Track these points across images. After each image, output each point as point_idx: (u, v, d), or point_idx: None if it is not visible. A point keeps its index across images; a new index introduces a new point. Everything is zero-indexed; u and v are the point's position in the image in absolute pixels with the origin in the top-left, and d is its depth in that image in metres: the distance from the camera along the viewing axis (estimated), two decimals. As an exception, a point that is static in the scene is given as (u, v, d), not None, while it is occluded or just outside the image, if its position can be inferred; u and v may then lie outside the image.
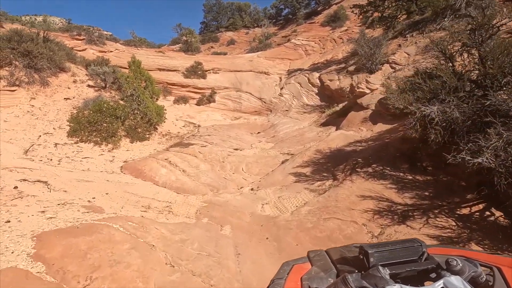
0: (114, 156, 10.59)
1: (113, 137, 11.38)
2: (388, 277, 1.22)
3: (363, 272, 1.29)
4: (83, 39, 22.13)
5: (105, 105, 11.95)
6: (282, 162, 10.61)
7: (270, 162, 10.77)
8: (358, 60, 18.05)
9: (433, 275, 1.34)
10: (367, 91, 13.07)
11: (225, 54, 31.01)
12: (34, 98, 12.81)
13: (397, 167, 8.27)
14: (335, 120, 14.47)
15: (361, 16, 20.28)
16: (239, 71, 23.40)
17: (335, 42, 27.72)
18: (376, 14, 19.85)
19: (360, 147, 10.13)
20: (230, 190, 8.89)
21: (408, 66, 13.22)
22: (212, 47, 37.38)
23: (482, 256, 1.43)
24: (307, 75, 20.82)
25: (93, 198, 7.38)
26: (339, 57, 22.62)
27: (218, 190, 8.79)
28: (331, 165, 9.59)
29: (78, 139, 11.05)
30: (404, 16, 19.81)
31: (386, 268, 1.28)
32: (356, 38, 19.44)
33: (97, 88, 14.70)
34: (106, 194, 7.70)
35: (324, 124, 14.69)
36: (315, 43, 28.79)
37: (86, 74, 15.29)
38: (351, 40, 21.61)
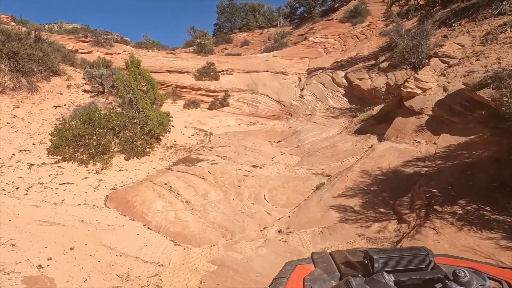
0: (101, 180, 7.93)
1: (104, 154, 8.76)
2: (392, 284, 1.16)
3: (367, 277, 1.22)
4: (89, 41, 19.82)
5: (97, 114, 9.35)
6: (317, 188, 7.66)
7: (300, 187, 7.84)
8: (393, 55, 14.82)
9: (438, 285, 1.22)
10: (418, 91, 9.90)
11: (239, 55, 28.25)
12: (18, 107, 10.36)
13: (500, 205, 5.20)
14: (372, 127, 11.37)
15: (394, 7, 16.93)
16: (254, 72, 20.50)
17: (357, 38, 24.36)
18: (411, 2, 16.50)
19: (426, 169, 7.05)
20: (249, 234, 6.03)
21: (470, 59, 9.95)
22: (225, 48, 34.69)
23: (491, 269, 1.36)
24: (330, 74, 17.70)
25: (49, 259, 4.69)
26: (365, 54, 19.35)
27: (233, 235, 5.95)
28: (389, 196, 6.58)
29: (60, 158, 8.48)
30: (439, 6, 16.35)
31: (390, 274, 1.20)
32: (390, 30, 16.15)
33: (94, 93, 12.17)
34: (71, 249, 5.00)
35: (358, 132, 11.60)
36: (335, 40, 25.51)
37: (84, 78, 12.80)
38: (384, 32, 18.29)
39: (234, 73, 20.10)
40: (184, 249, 5.35)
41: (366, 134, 10.91)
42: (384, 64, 15.31)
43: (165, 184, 7.59)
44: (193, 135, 13.23)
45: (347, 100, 15.31)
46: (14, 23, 19.04)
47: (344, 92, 15.90)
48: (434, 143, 7.99)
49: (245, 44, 34.30)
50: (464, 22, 13.33)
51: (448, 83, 9.92)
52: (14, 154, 8.36)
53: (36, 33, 12.55)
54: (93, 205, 6.74)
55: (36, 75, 11.63)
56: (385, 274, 1.18)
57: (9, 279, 4.18)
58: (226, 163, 9.41)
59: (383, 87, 13.74)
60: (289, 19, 38.76)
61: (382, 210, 6.23)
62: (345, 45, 24.13)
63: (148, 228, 5.95)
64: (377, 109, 12.69)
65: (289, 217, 6.78)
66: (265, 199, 7.45)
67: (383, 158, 7.89)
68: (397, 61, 13.67)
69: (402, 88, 10.33)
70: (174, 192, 7.24)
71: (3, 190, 6.89)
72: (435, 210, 5.44)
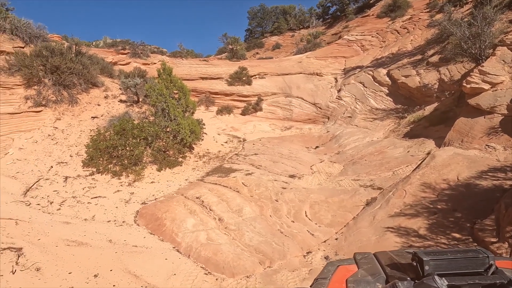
0: (132, 193, 7.51)
1: (136, 166, 8.40)
2: None
3: (416, 281, 1.12)
4: (127, 53, 20.34)
5: (130, 124, 9.07)
6: (367, 203, 6.49)
7: (347, 202, 6.71)
8: (446, 47, 12.96)
9: None
10: (485, 86, 8.23)
11: (270, 58, 27.49)
12: (60, 119, 10.53)
13: None
14: (426, 130, 9.80)
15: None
16: (287, 74, 19.53)
17: (398, 33, 22.27)
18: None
19: (510, 182, 5.57)
20: (291, 261, 5.08)
21: (553, 44, 8.07)
22: (257, 53, 34.18)
23: None
24: (370, 72, 16.14)
25: (71, 288, 4.17)
26: (408, 49, 17.45)
27: (272, 261, 5.05)
28: (463, 217, 5.23)
29: (95, 169, 8.26)
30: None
31: (443, 278, 1.06)
32: (440, 20, 14.26)
33: (130, 103, 12.11)
34: (95, 277, 4.46)
35: (409, 136, 10.09)
36: (372, 36, 23.62)
37: (120, 88, 12.84)
38: (432, 23, 16.34)
39: (266, 77, 19.31)
40: (216, 279, 4.56)
41: (419, 138, 9.40)
42: (434, 58, 13.48)
43: (197, 198, 6.93)
44: (226, 142, 12.62)
45: (391, 100, 13.70)
46: (66, 42, 20.23)
47: (387, 91, 14.29)
48: (516, 149, 6.40)
49: (276, 48, 33.52)
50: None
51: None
52: (52, 167, 8.32)
53: (76, 47, 12.85)
54: (123, 221, 6.27)
55: (76, 88, 11.84)
56: (437, 277, 1.05)
57: (26, 314, 3.70)
58: (261, 173, 8.57)
59: (435, 83, 12.00)
60: (321, 19, 37.28)
61: (456, 235, 4.92)
62: (384, 41, 22.19)
63: (177, 251, 5.27)
64: (429, 109, 11.04)
65: (336, 239, 5.71)
66: (306, 216, 6.44)
67: (449, 168, 6.47)
68: (451, 54, 11.86)
69: (464, 84, 8.71)
70: (206, 208, 6.55)
71: (38, 204, 6.72)
72: (538, 241, 4.06)
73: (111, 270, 4.62)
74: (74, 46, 12.88)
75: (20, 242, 5.21)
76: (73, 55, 12.59)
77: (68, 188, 7.49)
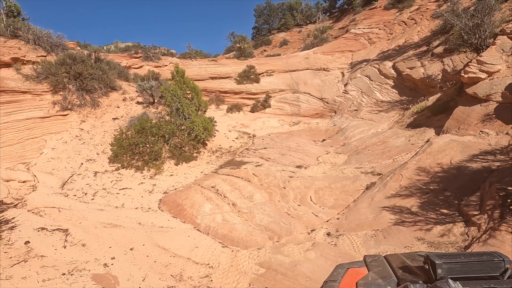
0: (154, 185, 8.48)
1: (156, 161, 9.36)
2: None
3: (428, 285, 1.09)
4: (140, 56, 21.48)
5: (148, 123, 10.05)
6: (367, 188, 7.19)
7: (349, 187, 7.43)
8: (449, 38, 13.33)
9: None
10: (482, 75, 8.71)
11: (278, 55, 28.14)
12: (84, 121, 11.65)
13: None
14: (428, 120, 10.33)
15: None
16: (294, 71, 20.20)
17: (405, 24, 22.47)
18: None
19: (497, 163, 6.15)
20: (296, 237, 5.88)
21: (548, 32, 8.47)
22: (265, 50, 34.85)
23: None
24: (376, 65, 16.62)
25: (112, 258, 5.12)
26: (415, 40, 17.78)
27: (279, 237, 5.86)
28: (452, 195, 5.88)
29: (120, 165, 9.28)
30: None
31: (457, 282, 1.03)
32: (445, 10, 14.59)
33: (146, 104, 13.13)
34: (131, 250, 5.40)
35: (412, 126, 10.64)
36: (379, 29, 23.88)
37: (136, 91, 13.90)
38: (437, 14, 16.62)
39: (274, 74, 20.04)
40: (232, 251, 5.42)
41: (421, 128, 9.96)
42: (439, 49, 13.87)
43: (212, 187, 7.81)
44: (236, 138, 13.48)
45: (396, 92, 14.19)
46: (79, 48, 21.58)
47: (393, 83, 14.77)
48: (507, 133, 6.94)
49: (284, 44, 34.06)
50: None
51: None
52: (82, 164, 9.39)
53: (96, 54, 13.98)
54: (149, 208, 7.23)
55: (97, 92, 12.95)
56: (450, 281, 1.04)
57: (80, 276, 4.66)
58: (270, 164, 9.37)
59: (438, 74, 12.45)
60: (328, 13, 37.52)
61: (445, 211, 5.57)
62: (391, 34, 22.47)
63: (197, 230, 6.16)
64: (432, 99, 11.54)
65: (338, 219, 6.46)
66: (311, 200, 7.21)
67: (443, 153, 7.08)
68: (454, 44, 12.26)
69: (462, 74, 9.22)
70: (220, 195, 7.42)
71: (75, 195, 7.77)
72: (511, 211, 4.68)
73: (143, 245, 5.54)
74: (93, 53, 14.01)
75: (65, 225, 6.23)
76: (93, 61, 13.73)
77: (98, 181, 8.53)
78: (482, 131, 7.48)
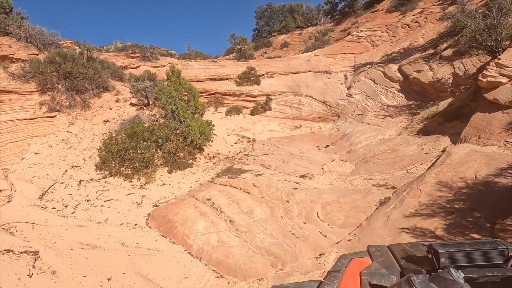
0: (144, 196, 7.59)
1: (147, 168, 8.48)
2: (462, 281, 0.97)
3: (432, 274, 1.06)
4: (137, 56, 20.59)
5: (140, 127, 9.17)
6: (381, 203, 6.33)
7: (360, 202, 6.56)
8: (459, 40, 12.54)
9: None
10: (503, 79, 7.89)
11: (279, 57, 27.34)
12: (73, 123, 10.74)
13: None
14: (441, 126, 9.50)
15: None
16: (296, 73, 19.37)
17: (409, 27, 21.73)
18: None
19: (532, 180, 5.31)
20: (303, 264, 5.00)
21: None
22: (265, 52, 34.06)
23: None
24: (381, 68, 15.81)
25: (85, 291, 4.22)
26: (420, 43, 17.00)
27: (284, 264, 4.98)
28: (483, 217, 5.02)
29: (107, 173, 8.39)
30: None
31: (460, 271, 1.01)
32: (453, 12, 13.81)
33: (140, 106, 12.25)
34: (108, 280, 4.50)
35: (423, 132, 9.80)
36: (382, 32, 23.13)
37: (130, 92, 13.01)
38: (445, 16, 15.85)
39: (275, 76, 19.21)
40: (228, 282, 4.53)
41: (433, 135, 9.13)
42: (448, 52, 13.07)
43: (208, 200, 6.93)
44: (236, 143, 12.61)
45: (403, 96, 13.37)
46: (78, 47, 20.69)
47: (399, 87, 13.95)
48: (538, 145, 6.11)
49: (284, 46, 33.30)
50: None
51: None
52: (66, 171, 8.49)
53: (88, 52, 13.09)
54: (135, 224, 6.33)
55: (88, 92, 12.05)
56: (453, 270, 0.99)
57: (43, 318, 3.77)
58: (271, 173, 8.50)
59: (448, 78, 11.63)
60: (329, 16, 36.84)
61: (476, 236, 4.72)
62: (394, 36, 21.71)
63: (189, 253, 5.28)
64: (443, 104, 10.71)
65: (349, 240, 5.59)
66: (318, 217, 6.34)
67: (466, 166, 6.24)
68: (465, 47, 11.46)
69: (480, 78, 8.38)
70: (216, 209, 6.53)
71: (53, 208, 6.87)
72: None
73: (124, 274, 4.65)
74: (85, 52, 13.11)
75: (36, 246, 5.33)
76: (84, 60, 12.83)
77: (82, 192, 7.63)
78: (507, 141, 6.65)
